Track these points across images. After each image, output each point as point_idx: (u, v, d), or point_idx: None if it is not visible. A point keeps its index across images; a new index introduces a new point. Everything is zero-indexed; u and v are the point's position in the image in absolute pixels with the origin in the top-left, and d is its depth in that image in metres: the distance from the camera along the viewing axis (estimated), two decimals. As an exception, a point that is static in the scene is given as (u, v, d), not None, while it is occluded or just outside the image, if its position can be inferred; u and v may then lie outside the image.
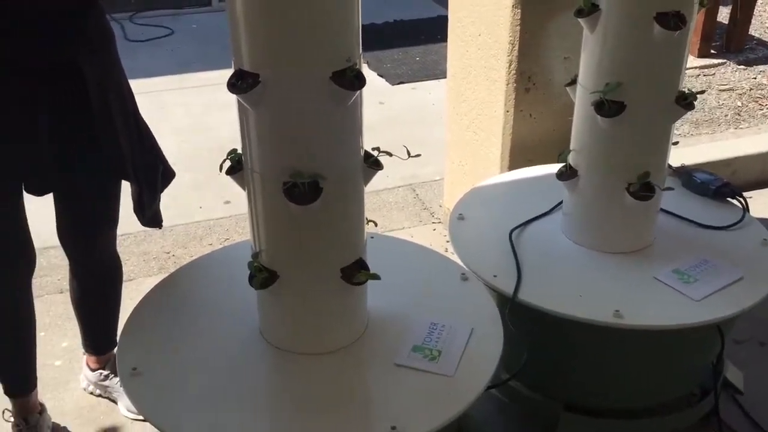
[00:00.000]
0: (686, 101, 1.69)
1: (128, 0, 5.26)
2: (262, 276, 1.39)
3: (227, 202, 3.10)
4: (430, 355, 1.45)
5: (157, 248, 2.79)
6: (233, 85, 1.25)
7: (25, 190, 1.63)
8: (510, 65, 2.25)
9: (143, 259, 2.72)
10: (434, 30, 5.09)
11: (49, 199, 1.71)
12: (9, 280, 1.70)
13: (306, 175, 1.28)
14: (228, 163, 1.40)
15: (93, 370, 2.02)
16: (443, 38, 2.99)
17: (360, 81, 1.25)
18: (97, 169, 1.66)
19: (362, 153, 1.38)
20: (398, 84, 4.31)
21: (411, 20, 5.37)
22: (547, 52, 2.26)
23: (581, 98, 1.74)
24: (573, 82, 1.78)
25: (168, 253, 2.77)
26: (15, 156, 1.54)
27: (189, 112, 3.91)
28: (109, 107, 1.59)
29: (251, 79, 1.23)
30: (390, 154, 1.40)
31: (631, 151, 1.72)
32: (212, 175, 3.22)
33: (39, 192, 1.65)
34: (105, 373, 2.01)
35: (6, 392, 1.83)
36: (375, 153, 1.40)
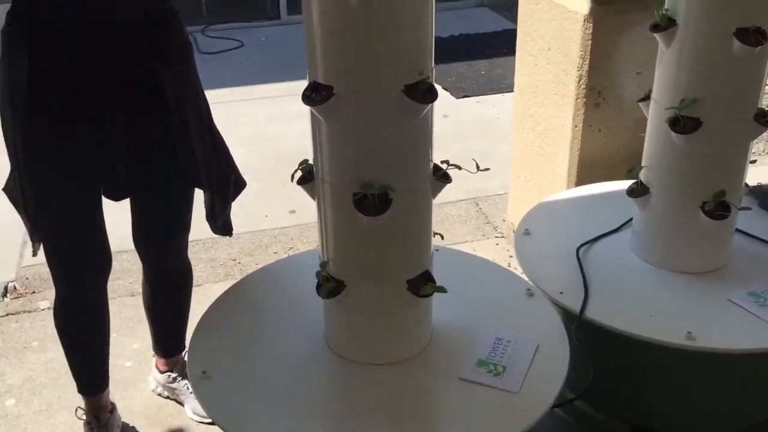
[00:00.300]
0: (765, 119, 1.64)
1: (201, 13, 5.41)
2: (329, 285, 1.41)
3: (292, 212, 3.14)
4: (495, 370, 1.44)
5: (224, 255, 2.85)
6: (308, 97, 1.28)
7: (104, 194, 1.69)
8: (579, 80, 2.23)
9: (210, 265, 2.78)
10: (500, 44, 5.07)
11: (122, 204, 1.77)
12: (87, 281, 1.76)
13: (376, 187, 1.29)
14: (299, 174, 1.43)
15: (162, 372, 2.07)
16: (509, 52, 2.98)
17: (432, 94, 1.26)
18: (172, 177, 1.71)
19: (431, 166, 1.39)
20: (463, 97, 4.31)
21: (476, 34, 5.36)
22: (618, 66, 2.23)
23: (655, 114, 1.71)
24: (646, 97, 1.75)
25: (234, 260, 2.83)
26: (95, 162, 1.60)
27: (256, 123, 3.99)
28: (185, 117, 1.64)
29: (325, 92, 1.25)
30: (459, 168, 1.41)
31: (706, 168, 1.68)
32: (278, 184, 3.28)
33: (116, 197, 1.71)
34: (173, 375, 2.06)
35: (80, 390, 1.90)
36: (444, 166, 1.40)
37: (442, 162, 1.41)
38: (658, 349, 1.56)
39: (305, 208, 3.11)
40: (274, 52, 5.06)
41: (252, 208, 3.09)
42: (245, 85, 4.45)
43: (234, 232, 1.88)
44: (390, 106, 1.24)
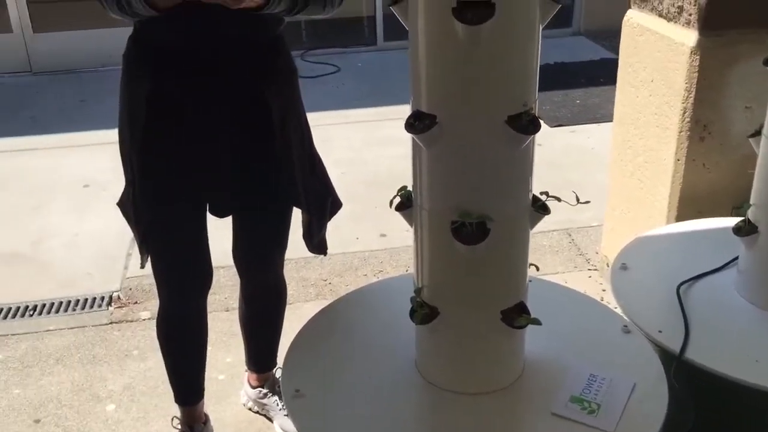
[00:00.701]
0: None
1: (301, 39, 5.58)
2: (423, 311, 1.42)
3: (383, 235, 3.18)
4: (589, 407, 1.40)
5: (315, 275, 2.90)
6: (411, 125, 1.30)
7: (209, 211, 1.76)
8: (684, 113, 2.17)
9: (302, 284, 2.84)
10: (597, 73, 5.00)
11: (219, 220, 1.84)
12: (188, 294, 1.83)
13: (474, 216, 1.30)
14: (398, 200, 1.45)
15: (253, 388, 2.13)
16: (607, 81, 2.94)
17: (534, 126, 1.25)
18: (273, 196, 1.77)
19: (530, 196, 1.38)
20: (557, 126, 4.26)
21: (572, 62, 5.30)
22: (726, 100, 2.16)
23: (766, 150, 1.64)
24: (757, 133, 1.68)
25: (325, 280, 2.88)
26: (203, 180, 1.67)
27: (351, 146, 4.07)
28: (289, 139, 1.70)
29: (428, 120, 1.27)
30: (558, 199, 1.40)
31: (821, 209, 1.60)
32: (369, 207, 3.33)
33: (221, 214, 1.78)
34: (264, 391, 2.11)
35: (176, 400, 1.97)
36: (543, 197, 1.39)
37: (541, 193, 1.40)
38: (763, 395, 1.48)
39: (396, 232, 3.15)
40: (370, 78, 5.16)
41: (344, 230, 3.14)
42: (341, 109, 4.55)
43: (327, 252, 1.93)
44: (492, 136, 1.25)
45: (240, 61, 1.60)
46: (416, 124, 1.30)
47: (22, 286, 2.86)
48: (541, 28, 1.25)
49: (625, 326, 1.64)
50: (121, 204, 1.75)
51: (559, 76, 4.99)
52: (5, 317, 2.68)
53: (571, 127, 4.28)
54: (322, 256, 1.95)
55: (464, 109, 1.24)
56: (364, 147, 4.05)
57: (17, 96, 5.03)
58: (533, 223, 1.40)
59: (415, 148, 1.34)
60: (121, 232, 2.92)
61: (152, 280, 1.84)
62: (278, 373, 2.14)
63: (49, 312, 2.70)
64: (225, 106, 1.62)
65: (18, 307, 2.73)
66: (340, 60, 5.52)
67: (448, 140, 1.27)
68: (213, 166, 1.66)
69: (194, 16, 1.45)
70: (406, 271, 2.92)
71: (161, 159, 1.64)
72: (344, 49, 5.69)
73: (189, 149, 1.63)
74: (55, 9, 5.71)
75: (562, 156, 3.89)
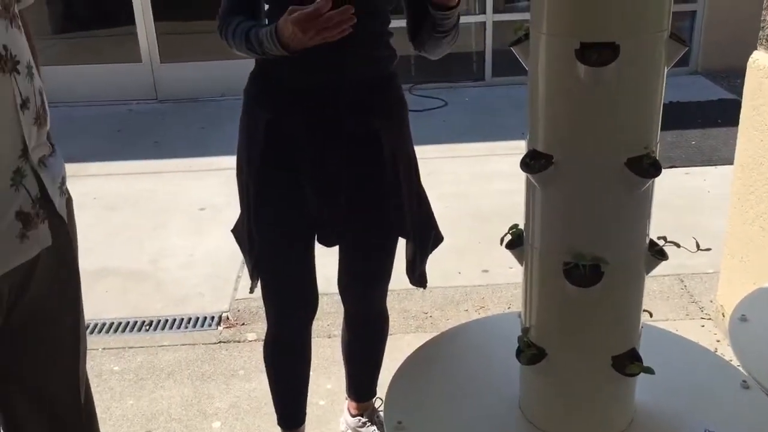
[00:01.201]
0: None
1: (410, 73, 5.68)
2: (530, 352, 1.40)
3: (485, 271, 3.16)
4: (704, 464, 1.34)
5: (416, 307, 2.92)
6: (526, 164, 1.30)
7: (318, 240, 1.81)
8: (813, 159, 2.06)
9: (403, 316, 2.86)
10: (714, 114, 4.82)
11: (324, 250, 1.88)
12: (295, 321, 1.89)
13: (588, 258, 1.28)
14: (509, 237, 1.44)
15: (353, 416, 2.15)
16: (725, 123, 2.82)
17: (656, 169, 1.23)
18: (381, 227, 1.80)
19: (647, 241, 1.35)
20: (670, 167, 4.12)
21: (689, 102, 5.13)
22: None
23: None
24: None
25: (426, 313, 2.89)
26: (315, 210, 1.73)
27: (455, 180, 4.08)
28: (398, 171, 1.74)
29: (544, 160, 1.27)
30: (677, 245, 1.36)
31: None
32: (473, 242, 3.32)
33: (329, 243, 1.83)
34: (363, 420, 2.13)
35: (279, 422, 2.02)
36: (660, 242, 1.36)
37: (659, 238, 1.37)
38: None
39: (499, 268, 3.13)
40: (477, 113, 5.18)
41: (445, 264, 3.14)
42: (447, 142, 4.58)
43: (427, 285, 1.94)
44: (611, 178, 1.23)
45: (356, 97, 1.65)
46: (532, 163, 1.30)
47: (139, 302, 3.02)
48: (666, 71, 1.23)
49: (744, 381, 1.56)
50: (236, 231, 1.83)
51: (674, 116, 4.84)
52: (123, 330, 2.84)
53: (685, 168, 4.13)
54: (422, 288, 1.96)
55: (583, 150, 1.23)
56: (470, 181, 4.05)
57: (144, 122, 5.36)
58: (649, 269, 1.36)
59: (529, 186, 1.34)
60: (233, 254, 3.04)
61: (259, 303, 1.90)
62: (377, 403, 2.16)
63: (163, 328, 2.84)
64: (339, 140, 1.67)
65: (135, 322, 2.89)
66: (448, 94, 5.57)
67: (565, 181, 1.26)
68: (325, 197, 1.71)
69: (317, 55, 1.51)
70: (508, 308, 2.89)
71: (276, 189, 1.71)
72: (452, 84, 5.74)
73: (302, 180, 1.69)
74: (180, 41, 6.07)
75: (674, 197, 3.76)
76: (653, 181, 1.27)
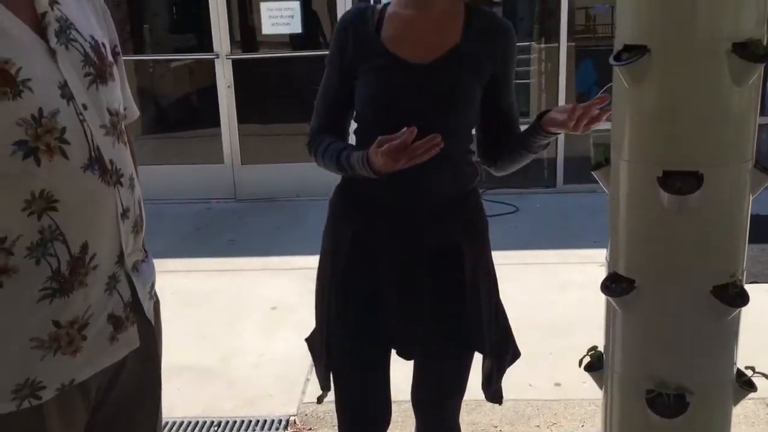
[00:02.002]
0: None
1: (481, 179, 5.75)
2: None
3: (557, 384, 3.06)
4: None
5: (485, 420, 2.84)
6: (607, 288, 1.30)
7: (397, 353, 1.81)
8: None
9: (471, 428, 2.79)
10: (798, 227, 4.66)
11: (393, 356, 1.85)
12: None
13: (672, 387, 1.25)
14: (587, 359, 1.42)
15: None
16: (814, 240, 2.71)
17: (743, 298, 1.21)
18: (459, 342, 1.79)
19: (735, 370, 1.30)
20: (752, 283, 3.98)
21: (769, 215, 4.99)
22: None
23: None
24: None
25: (495, 427, 2.80)
26: (395, 323, 1.74)
27: (525, 289, 4.03)
28: (478, 286, 1.74)
29: (626, 284, 1.27)
30: (766, 376, 1.31)
31: None
32: (544, 353, 3.24)
33: (408, 356, 1.83)
34: None
35: None
36: (748, 372, 1.31)
37: (747, 368, 1.32)
38: None
39: (572, 382, 3.02)
40: (548, 220, 5.17)
41: (516, 376, 3.04)
42: (518, 249, 4.56)
43: (500, 399, 1.90)
44: (696, 305, 1.22)
45: (439, 212, 1.70)
46: (613, 286, 1.29)
47: (209, 401, 3.04)
48: (751, 199, 1.23)
49: None
50: (310, 340, 1.85)
51: (756, 230, 4.70)
52: (192, 430, 2.85)
53: (768, 284, 3.98)
54: (498, 404, 1.92)
55: (666, 276, 1.22)
56: (541, 290, 3.99)
57: (222, 220, 5.56)
58: (737, 399, 1.32)
59: (609, 309, 1.33)
60: (302, 356, 3.04)
61: (327, 408, 1.90)
62: None
63: (231, 429, 2.84)
64: (421, 254, 1.71)
65: (204, 422, 2.90)
66: (519, 200, 5.59)
67: (647, 306, 1.25)
68: (405, 310, 1.73)
69: (403, 173, 1.56)
70: (582, 426, 2.78)
71: (356, 301, 1.74)
72: (523, 190, 5.77)
73: (384, 293, 1.72)
74: (260, 142, 6.35)
75: (759, 318, 3.59)
76: (740, 310, 1.24)
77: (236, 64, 5.81)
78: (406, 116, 1.61)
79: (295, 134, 7.05)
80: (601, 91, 6.19)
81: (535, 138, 1.65)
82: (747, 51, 1.10)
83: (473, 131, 1.79)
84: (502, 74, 1.72)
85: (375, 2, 5.94)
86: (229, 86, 5.73)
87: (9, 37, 1.14)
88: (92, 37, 1.28)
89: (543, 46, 6.36)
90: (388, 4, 1.74)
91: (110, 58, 1.32)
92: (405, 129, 1.46)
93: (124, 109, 1.40)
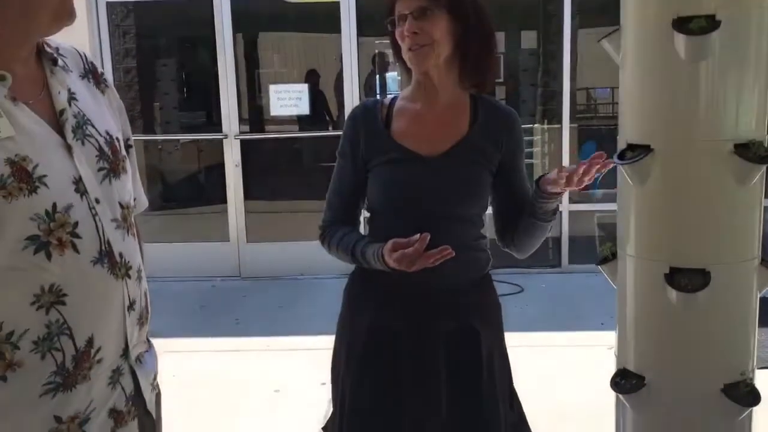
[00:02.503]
0: None
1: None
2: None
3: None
4: None
5: None
6: (616, 384, 1.28)
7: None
8: None
9: None
10: (806, 310, 4.62)
11: None
12: None
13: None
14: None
15: None
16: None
17: (755, 398, 1.19)
18: (476, 426, 1.77)
19: (750, 471, 1.27)
20: (762, 368, 3.91)
21: (777, 297, 4.96)
22: None
23: None
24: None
25: None
26: (411, 413, 1.72)
27: (534, 372, 3.97)
28: (494, 372, 1.75)
29: (636, 380, 1.25)
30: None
31: None
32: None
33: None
34: None
35: None
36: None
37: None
38: None
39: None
40: (554, 301, 5.13)
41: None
42: (524, 331, 4.51)
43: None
44: (706, 405, 1.20)
45: (454, 298, 1.72)
46: (622, 383, 1.28)
47: (209, 488, 2.96)
48: (758, 296, 1.22)
49: None
50: (327, 429, 1.83)
51: (765, 313, 4.67)
52: None
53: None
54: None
55: (676, 374, 1.21)
56: (549, 374, 3.93)
57: (226, 298, 5.54)
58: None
59: (619, 405, 1.31)
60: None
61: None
62: None
63: None
64: (438, 340, 1.72)
65: None
66: (524, 280, 5.57)
67: (658, 405, 1.23)
68: (422, 399, 1.71)
69: None
70: None
71: (373, 389, 1.73)
72: (528, 270, 5.76)
73: (400, 382, 1.71)
74: (267, 220, 6.39)
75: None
76: (752, 409, 1.22)
77: (244, 143, 5.92)
78: (419, 206, 1.68)
79: (300, 211, 7.12)
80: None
81: (537, 203, 1.69)
82: (749, 152, 1.12)
83: (485, 217, 1.82)
84: (511, 160, 1.77)
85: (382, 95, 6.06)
86: (236, 165, 5.81)
87: (28, 134, 1.17)
88: (107, 132, 1.31)
89: (546, 127, 6.48)
90: (395, 98, 1.81)
91: (123, 152, 1.35)
92: (418, 236, 1.49)
93: (134, 200, 1.42)
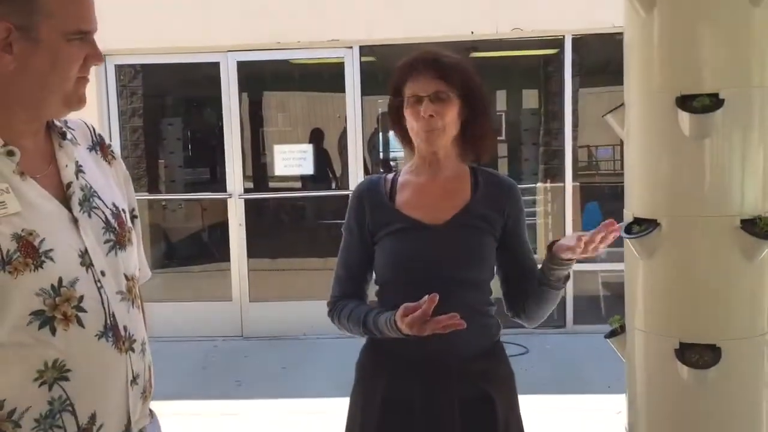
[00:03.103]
0: None
1: (491, 319, 5.69)
2: None
3: None
4: None
5: None
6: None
7: None
8: None
9: None
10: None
11: None
12: None
13: None
14: None
15: None
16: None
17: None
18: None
19: None
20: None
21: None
22: None
23: None
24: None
25: None
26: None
27: (540, 436, 3.90)
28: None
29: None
30: None
31: None
32: None
33: None
34: None
35: None
36: None
37: None
38: None
39: None
40: (560, 363, 5.07)
41: None
42: (531, 394, 4.42)
43: None
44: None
45: (468, 366, 1.71)
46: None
47: None
48: (770, 373, 1.21)
49: None
50: None
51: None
52: None
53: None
54: None
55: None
56: (557, 438, 3.86)
57: (227, 359, 5.48)
58: None
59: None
60: None
61: None
62: None
63: None
64: (453, 408, 1.70)
65: None
66: (528, 341, 5.51)
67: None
68: None
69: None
70: None
71: None
72: (533, 331, 5.69)
73: None
74: (269, 279, 6.38)
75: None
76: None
77: (248, 202, 5.95)
78: (426, 274, 1.69)
79: (304, 269, 7.11)
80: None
81: (551, 268, 1.70)
82: (755, 228, 1.12)
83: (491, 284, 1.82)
84: (512, 227, 1.80)
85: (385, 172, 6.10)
86: (240, 224, 5.82)
87: (35, 208, 1.18)
88: (114, 204, 1.32)
89: (549, 185, 6.51)
90: (398, 173, 1.86)
91: (129, 223, 1.36)
92: (426, 297, 1.50)
93: (139, 270, 1.42)
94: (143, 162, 7.10)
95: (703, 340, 1.14)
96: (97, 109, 5.43)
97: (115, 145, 5.59)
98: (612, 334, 1.31)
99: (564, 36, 5.54)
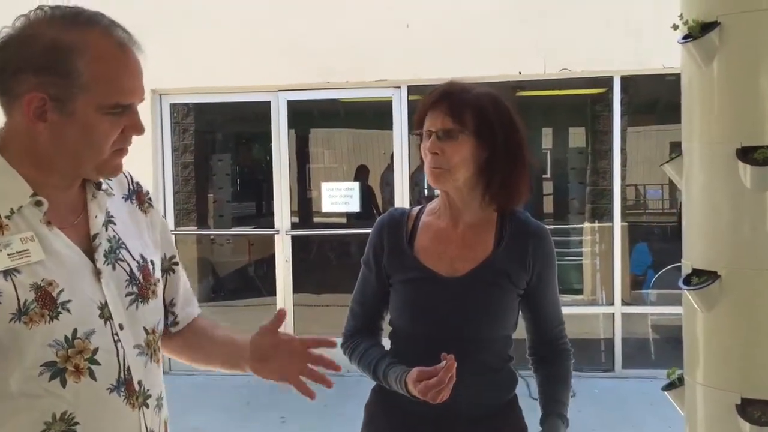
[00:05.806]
0: None
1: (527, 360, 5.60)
2: None
3: None
4: None
5: None
6: None
7: None
8: None
9: None
10: None
11: None
12: None
13: None
14: None
15: None
16: None
17: None
18: None
19: None
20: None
21: None
22: None
23: None
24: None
25: None
26: None
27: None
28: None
29: None
30: None
31: None
32: None
33: None
34: None
35: None
36: None
37: None
38: None
39: None
40: (609, 407, 4.95)
41: None
42: (582, 438, 4.35)
43: None
44: None
45: (477, 423, 1.67)
46: None
47: None
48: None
49: None
50: None
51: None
52: None
53: None
54: None
55: None
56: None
57: (271, 394, 5.44)
58: None
59: None
60: None
61: None
62: None
63: None
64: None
65: None
66: (577, 384, 5.31)
67: None
68: None
69: None
70: None
71: None
72: (580, 374, 5.58)
73: None
74: (314, 314, 6.40)
75: None
76: None
77: (295, 239, 6.00)
78: (439, 329, 1.64)
79: (347, 305, 7.13)
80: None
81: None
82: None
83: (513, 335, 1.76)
84: (539, 278, 1.69)
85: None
86: (287, 260, 5.87)
87: (58, 258, 1.16)
88: (141, 256, 1.29)
89: (596, 226, 6.42)
90: (423, 208, 1.77)
91: (157, 275, 1.32)
92: (443, 363, 1.45)
93: (175, 316, 1.41)
94: (193, 197, 7.26)
95: (765, 396, 1.11)
96: (151, 146, 5.58)
97: (168, 180, 5.72)
98: (670, 386, 1.28)
99: (613, 76, 5.51)
